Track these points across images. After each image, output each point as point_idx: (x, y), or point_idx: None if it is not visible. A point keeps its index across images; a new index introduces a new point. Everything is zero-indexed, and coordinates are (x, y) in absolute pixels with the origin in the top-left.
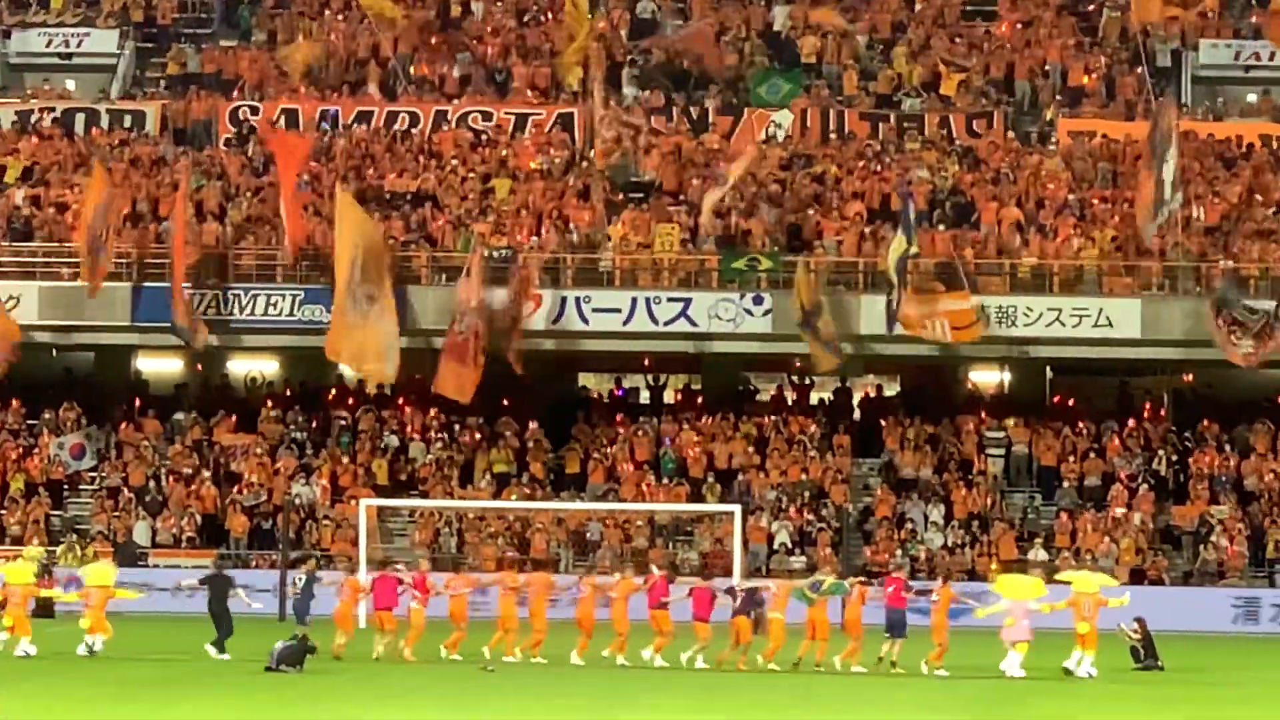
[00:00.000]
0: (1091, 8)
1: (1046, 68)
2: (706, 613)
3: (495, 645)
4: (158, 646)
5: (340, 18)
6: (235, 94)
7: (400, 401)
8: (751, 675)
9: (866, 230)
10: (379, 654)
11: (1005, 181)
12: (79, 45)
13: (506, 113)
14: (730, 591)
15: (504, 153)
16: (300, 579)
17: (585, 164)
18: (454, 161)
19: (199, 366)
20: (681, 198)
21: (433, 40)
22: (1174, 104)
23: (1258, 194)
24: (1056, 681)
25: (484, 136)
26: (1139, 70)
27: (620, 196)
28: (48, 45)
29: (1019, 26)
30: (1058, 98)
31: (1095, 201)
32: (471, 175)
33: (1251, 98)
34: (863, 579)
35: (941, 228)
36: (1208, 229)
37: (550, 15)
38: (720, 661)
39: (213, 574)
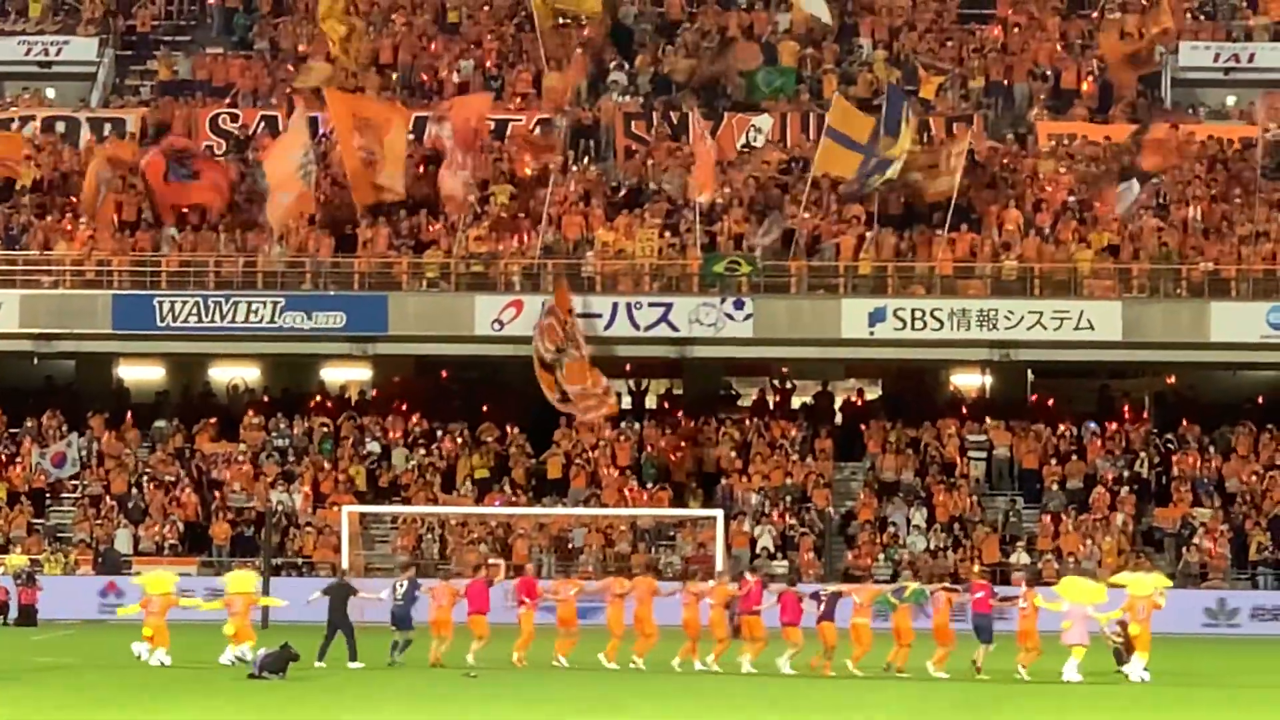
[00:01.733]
0: (1093, 14)
1: (1047, 71)
2: (796, 618)
3: (612, 652)
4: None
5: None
6: (226, 101)
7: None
8: (734, 679)
9: (867, 235)
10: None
11: (1003, 185)
12: (58, 53)
13: (487, 119)
14: (815, 596)
15: (498, 158)
16: (403, 584)
17: (577, 169)
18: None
19: (180, 374)
20: (662, 190)
21: (431, 46)
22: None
23: (1237, 196)
24: (1039, 684)
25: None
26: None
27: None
28: (27, 53)
29: (1015, 29)
30: (1041, 98)
31: (1100, 205)
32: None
33: (1231, 100)
34: (946, 585)
35: (940, 232)
36: (1188, 230)
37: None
38: (813, 666)
39: (334, 583)
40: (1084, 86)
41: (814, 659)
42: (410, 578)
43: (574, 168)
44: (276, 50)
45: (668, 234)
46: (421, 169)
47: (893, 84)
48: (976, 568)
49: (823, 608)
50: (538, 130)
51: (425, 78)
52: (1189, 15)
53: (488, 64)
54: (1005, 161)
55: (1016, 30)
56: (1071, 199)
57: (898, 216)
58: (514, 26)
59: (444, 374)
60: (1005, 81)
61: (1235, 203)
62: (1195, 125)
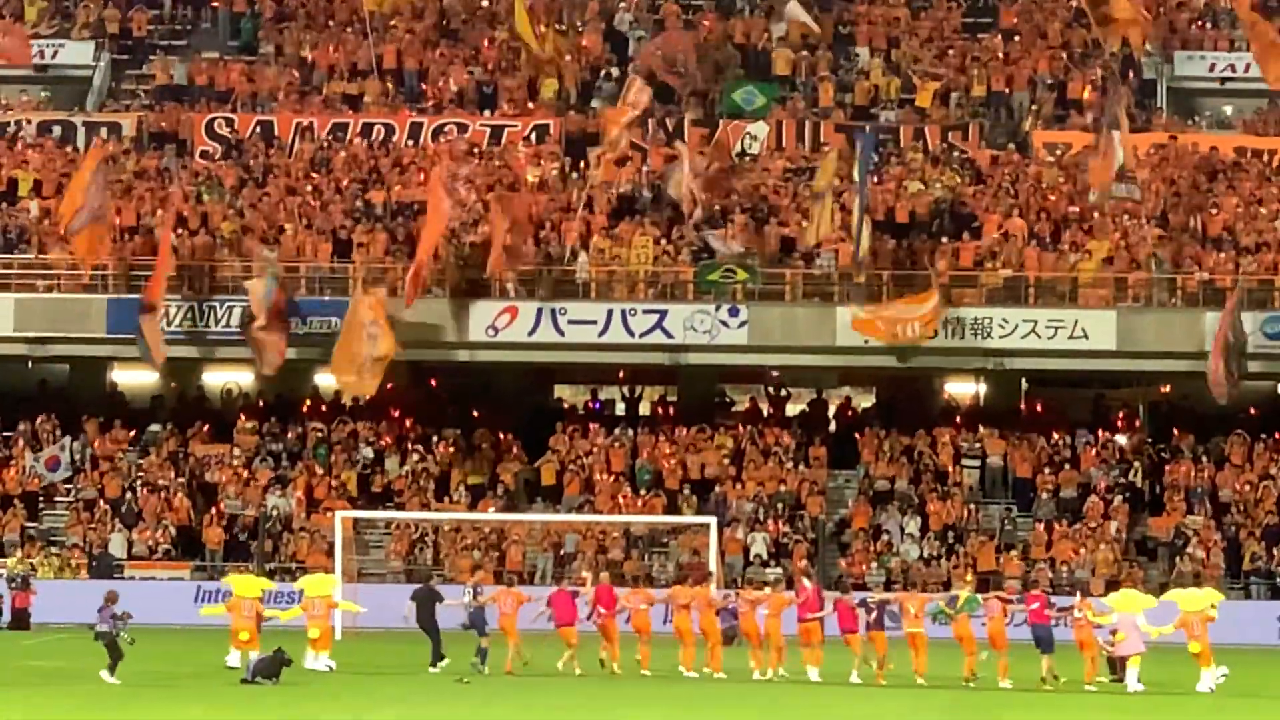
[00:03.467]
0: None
1: (1049, 80)
2: (854, 625)
3: (689, 660)
4: (149, 659)
5: (346, 30)
6: (224, 105)
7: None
8: (724, 686)
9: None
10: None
11: (1005, 195)
12: (54, 56)
13: (482, 125)
14: (863, 604)
15: (497, 164)
16: (471, 590)
17: (575, 176)
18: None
19: (175, 379)
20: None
21: (436, 53)
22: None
23: (1234, 206)
24: (1032, 691)
25: (475, 149)
26: (1128, 84)
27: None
28: None
29: (1014, 39)
30: (1034, 108)
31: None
32: (467, 187)
33: (1228, 110)
34: (999, 594)
35: (945, 239)
36: (1184, 241)
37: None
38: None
39: (420, 589)
40: (1085, 94)
41: (877, 670)
42: (476, 584)
43: (573, 174)
44: (280, 54)
45: (663, 241)
46: (422, 176)
47: (862, 130)
48: (970, 576)
49: (873, 616)
50: (533, 137)
51: (425, 85)
52: (1187, 25)
53: (481, 70)
54: (1005, 171)
55: (1018, 39)
56: (1073, 209)
57: (897, 225)
58: (508, 33)
59: (432, 382)
60: (1007, 90)
61: (1234, 212)
62: (1194, 135)
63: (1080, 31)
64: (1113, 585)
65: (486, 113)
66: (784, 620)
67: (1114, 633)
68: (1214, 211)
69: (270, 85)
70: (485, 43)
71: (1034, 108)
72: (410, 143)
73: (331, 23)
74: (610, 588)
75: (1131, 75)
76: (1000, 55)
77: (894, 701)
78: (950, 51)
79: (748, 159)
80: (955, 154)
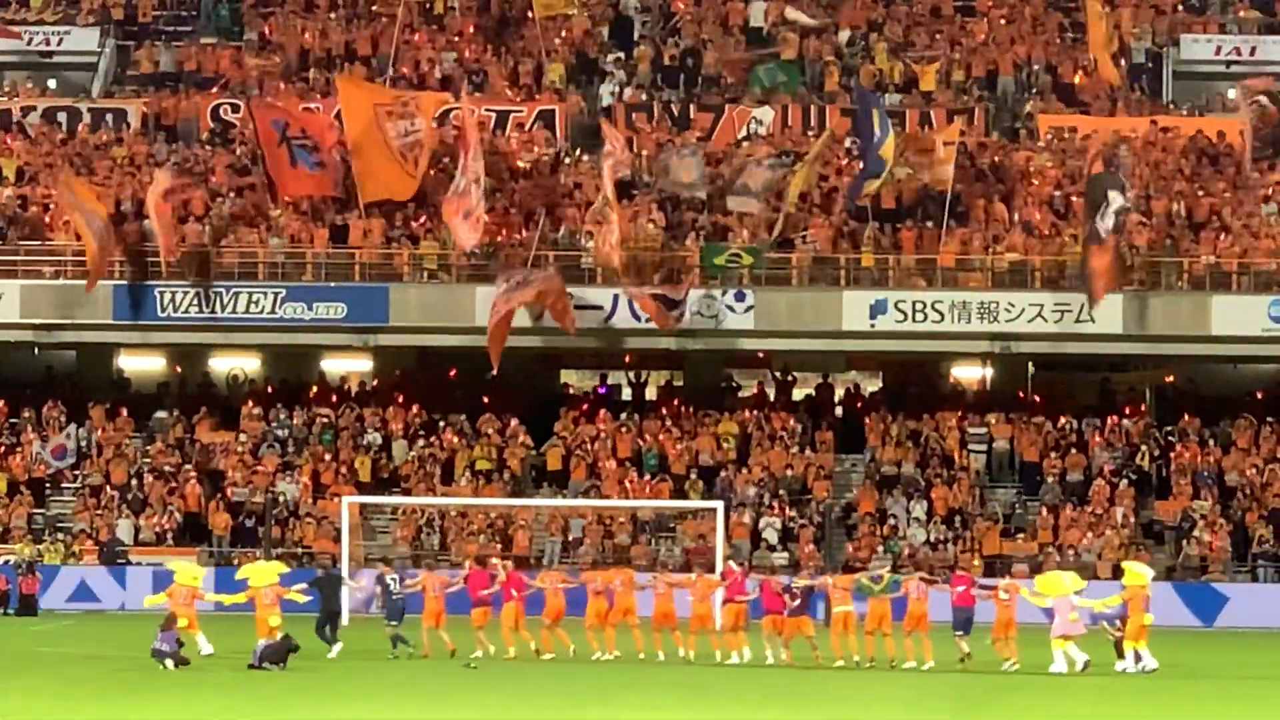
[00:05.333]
0: (1074, 4)
1: (1035, 65)
2: (779, 606)
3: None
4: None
5: (330, 15)
6: (214, 91)
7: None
8: (732, 670)
9: (845, 230)
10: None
11: (991, 178)
12: (59, 44)
13: (488, 110)
14: (788, 590)
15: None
16: (394, 579)
17: (569, 161)
18: (445, 159)
19: (181, 365)
20: (661, 192)
21: (415, 37)
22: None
23: (1239, 189)
24: (1039, 676)
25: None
26: (1120, 66)
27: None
28: (28, 43)
29: (1002, 23)
30: (1033, 91)
31: (1076, 198)
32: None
33: (1233, 93)
34: (923, 574)
35: (930, 224)
36: (1189, 224)
37: (529, 14)
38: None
39: (322, 575)
40: (1077, 79)
41: (787, 654)
42: (383, 573)
43: (566, 160)
44: (265, 42)
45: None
46: (416, 164)
47: (860, 85)
48: (977, 560)
49: (798, 602)
50: (538, 122)
51: (407, 70)
52: (1188, 9)
53: (467, 55)
54: (996, 157)
55: (1004, 24)
56: (1058, 194)
57: (886, 211)
58: (495, 20)
59: (453, 373)
60: (1001, 73)
61: (1227, 196)
62: (1197, 119)
63: (1058, 16)
64: (1119, 570)
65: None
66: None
67: (1119, 621)
68: (1200, 195)
69: (260, 72)
70: (470, 28)
71: (1033, 91)
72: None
73: (317, 7)
74: (521, 574)
75: (1123, 61)
76: (986, 39)
77: (900, 685)
78: (938, 35)
79: (745, 144)
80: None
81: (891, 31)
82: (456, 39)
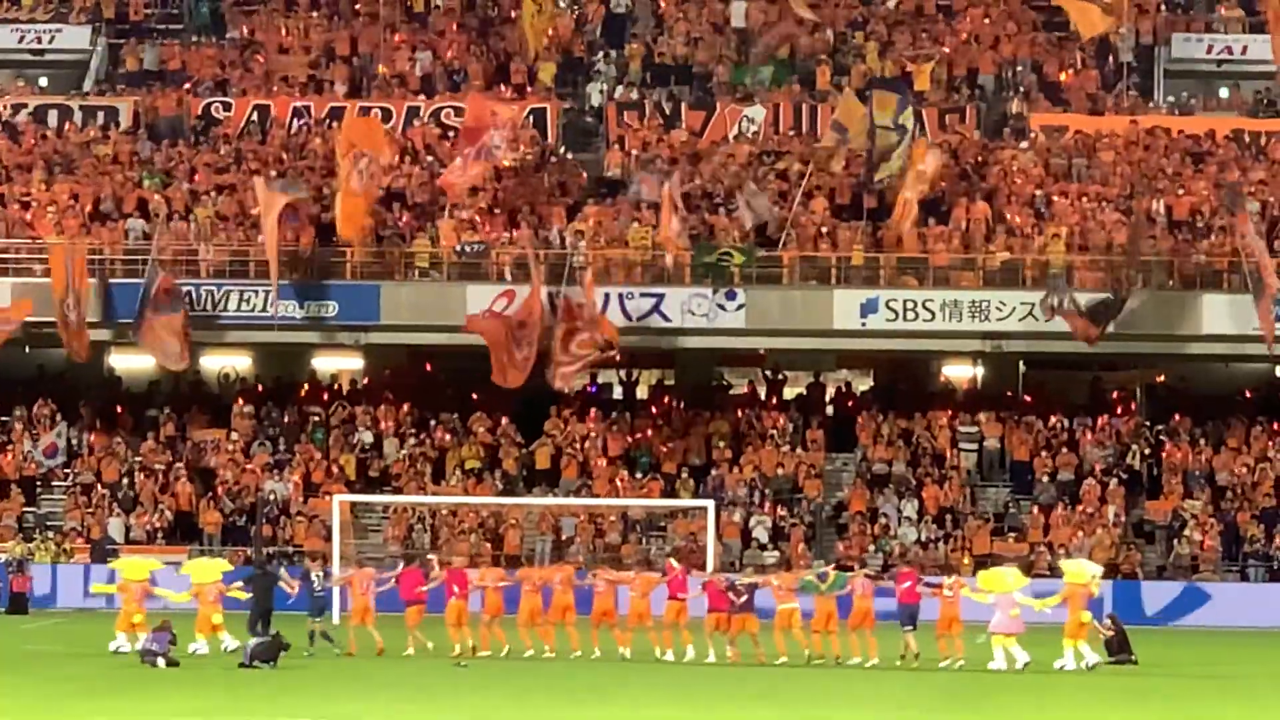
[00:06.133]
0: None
1: (1018, 66)
2: (723, 605)
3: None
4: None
5: (314, 14)
6: (200, 90)
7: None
8: (722, 670)
9: (824, 230)
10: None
11: (974, 177)
12: (51, 41)
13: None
14: (733, 588)
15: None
16: (319, 574)
17: (556, 160)
18: (429, 159)
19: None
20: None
21: (396, 37)
22: None
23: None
24: (1027, 675)
25: (454, 133)
26: (1106, 65)
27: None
28: (20, 41)
29: (985, 21)
30: (1021, 90)
31: (1057, 197)
32: (441, 171)
33: (1224, 92)
34: (869, 572)
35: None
36: (1178, 223)
37: (513, 12)
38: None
39: (258, 572)
40: (1064, 78)
41: (733, 652)
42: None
43: (552, 158)
44: (252, 40)
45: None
46: (398, 161)
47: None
48: (967, 559)
49: (743, 599)
50: (531, 120)
51: (386, 70)
52: (1172, 8)
53: (449, 55)
54: (980, 156)
55: (987, 23)
56: (1039, 193)
57: (869, 210)
58: (477, 19)
59: (427, 366)
60: (983, 72)
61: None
62: (1187, 118)
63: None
64: (1111, 569)
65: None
66: (652, 601)
67: (1110, 617)
68: (1180, 194)
69: (238, 71)
70: (453, 26)
71: (1021, 90)
72: (415, 124)
73: (298, 6)
74: (463, 571)
75: (1110, 59)
76: (968, 38)
77: (891, 684)
78: (923, 35)
79: (731, 143)
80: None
81: (875, 31)
82: (438, 38)
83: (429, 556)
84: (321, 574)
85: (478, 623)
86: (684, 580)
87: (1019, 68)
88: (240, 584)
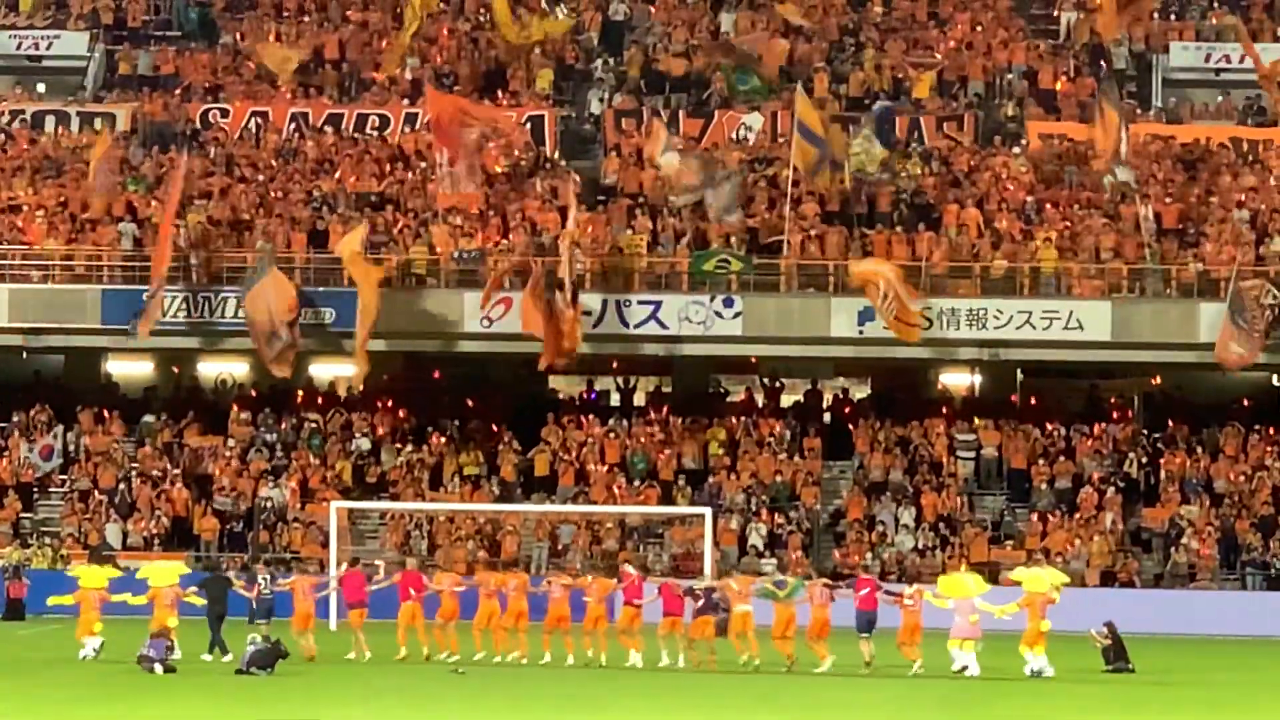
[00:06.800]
0: (1055, 12)
1: (1009, 75)
2: (678, 609)
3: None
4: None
5: (305, 18)
6: (193, 96)
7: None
8: (720, 676)
9: (812, 233)
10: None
11: (965, 184)
12: (49, 47)
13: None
14: (690, 592)
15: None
16: (265, 578)
17: (549, 166)
18: (421, 164)
19: (173, 369)
20: (642, 200)
21: (384, 43)
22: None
23: (1223, 195)
24: (1025, 682)
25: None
26: (1099, 73)
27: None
28: (18, 48)
29: (976, 29)
30: (1014, 97)
31: (1049, 205)
32: (433, 178)
33: (1220, 99)
34: (826, 580)
35: (899, 230)
36: (1175, 231)
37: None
38: (696, 663)
39: (210, 577)
40: (1058, 85)
41: (694, 655)
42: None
43: (546, 165)
44: (238, 47)
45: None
46: (388, 167)
47: (885, 102)
48: (964, 567)
49: (700, 603)
50: (528, 127)
51: (376, 75)
52: (1166, 16)
53: (439, 60)
54: (972, 162)
55: (979, 30)
56: (1030, 199)
57: (857, 215)
58: (469, 24)
59: (436, 374)
60: (971, 78)
61: (1222, 202)
62: (1186, 126)
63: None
64: (1108, 577)
65: (486, 102)
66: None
67: (1107, 625)
68: (1169, 201)
69: (228, 76)
70: (444, 33)
71: (1014, 99)
72: (407, 130)
73: (288, 11)
74: (418, 573)
75: (1103, 65)
76: (959, 45)
77: (889, 691)
78: (915, 43)
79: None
80: (913, 145)
81: (869, 39)
82: (427, 44)
83: (376, 561)
84: (267, 577)
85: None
86: (639, 585)
87: (1010, 75)
88: (195, 589)
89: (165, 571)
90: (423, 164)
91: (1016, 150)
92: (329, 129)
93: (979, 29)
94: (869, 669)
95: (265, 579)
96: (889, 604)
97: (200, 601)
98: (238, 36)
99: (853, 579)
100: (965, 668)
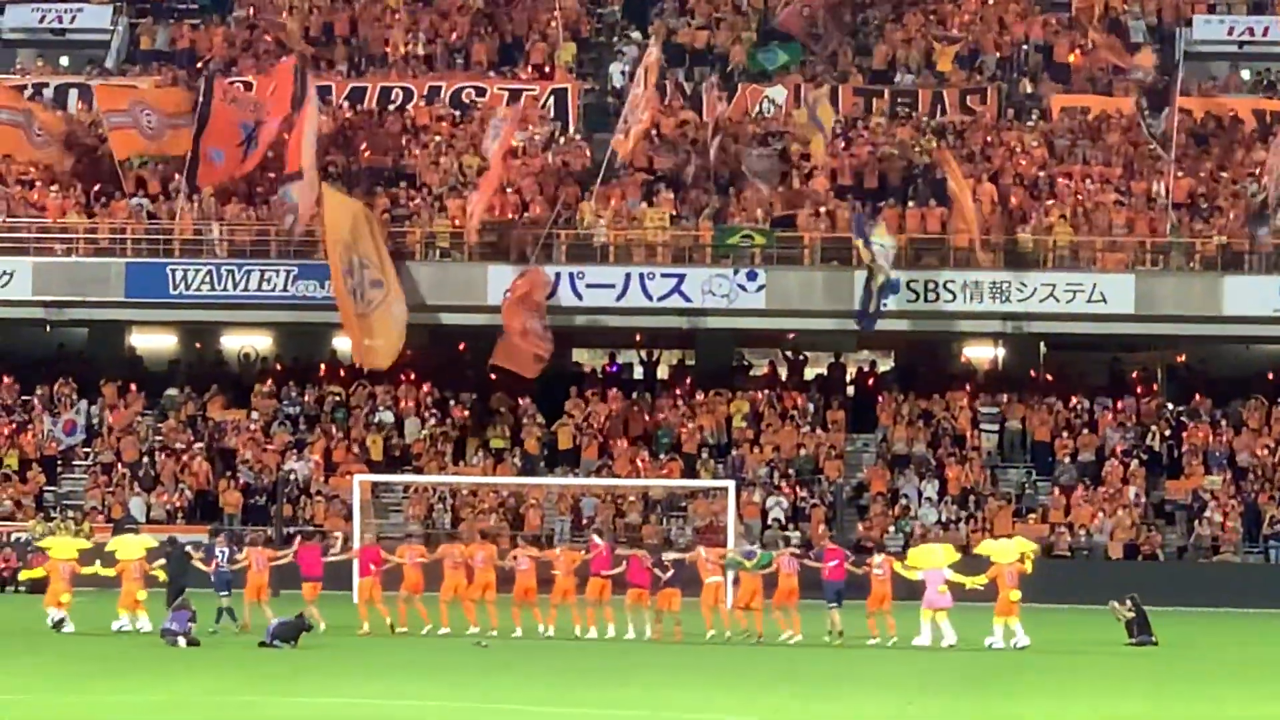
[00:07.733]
0: None
1: (1025, 47)
2: (644, 581)
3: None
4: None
5: None
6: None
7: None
8: (734, 651)
9: (822, 210)
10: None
11: (980, 159)
12: (72, 21)
13: (500, 89)
14: (658, 564)
15: (478, 129)
16: (224, 551)
17: (565, 140)
18: (436, 138)
19: (196, 343)
20: (659, 174)
21: (398, 17)
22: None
23: (1248, 169)
24: (1048, 655)
25: (463, 114)
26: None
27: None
28: (41, 21)
29: (990, 3)
30: (1029, 70)
31: (1062, 179)
32: (450, 152)
33: (1245, 74)
34: (794, 549)
35: (912, 205)
36: (1199, 204)
37: None
38: (659, 636)
39: (173, 550)
40: (1072, 59)
41: (657, 629)
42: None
43: (559, 139)
44: (257, 19)
45: (681, 204)
46: (404, 140)
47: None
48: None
49: (669, 575)
50: (551, 101)
51: (389, 50)
52: None
53: (454, 36)
54: (987, 137)
55: (991, 4)
56: (1042, 174)
57: (868, 190)
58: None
59: (461, 346)
60: (984, 52)
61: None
62: (1209, 100)
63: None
64: (1131, 550)
65: (507, 76)
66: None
67: (1131, 599)
68: (1179, 176)
69: (243, 51)
70: (456, 9)
71: (1026, 72)
72: (423, 104)
73: None
74: (377, 548)
75: (1118, 39)
76: (973, 19)
77: (910, 666)
78: (931, 16)
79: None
80: (927, 119)
81: (881, 13)
82: (441, 19)
83: (336, 534)
84: (226, 551)
85: (394, 601)
86: (608, 557)
87: (1026, 48)
88: (161, 563)
89: (133, 545)
90: (437, 138)
91: (1030, 123)
92: (347, 104)
93: (991, 3)
94: (839, 638)
95: (223, 553)
96: (857, 573)
97: (163, 576)
98: (250, 11)
99: (819, 549)
100: (944, 638)
